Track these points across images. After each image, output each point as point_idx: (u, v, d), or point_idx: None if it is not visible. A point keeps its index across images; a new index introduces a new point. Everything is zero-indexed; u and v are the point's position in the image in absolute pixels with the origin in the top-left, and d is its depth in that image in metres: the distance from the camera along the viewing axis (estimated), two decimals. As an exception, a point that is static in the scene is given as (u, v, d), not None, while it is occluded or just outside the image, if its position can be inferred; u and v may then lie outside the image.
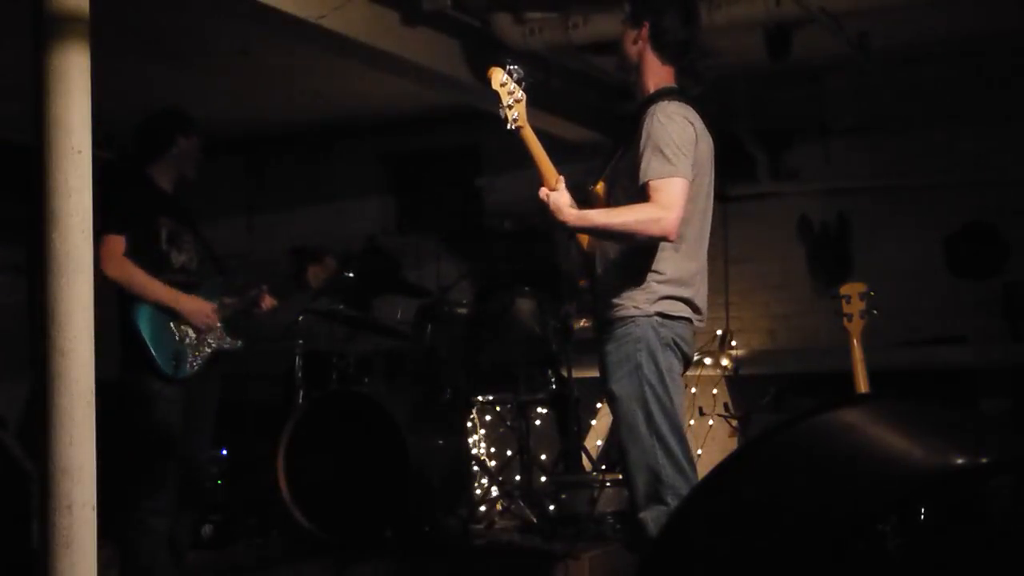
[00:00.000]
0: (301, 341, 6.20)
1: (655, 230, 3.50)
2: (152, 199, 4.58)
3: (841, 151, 7.07)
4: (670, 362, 3.59)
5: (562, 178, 3.62)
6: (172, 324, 4.48)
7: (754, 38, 5.68)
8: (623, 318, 3.61)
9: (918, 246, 6.84)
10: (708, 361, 6.93)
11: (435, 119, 7.59)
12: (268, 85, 6.96)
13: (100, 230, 4.26)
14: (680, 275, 3.62)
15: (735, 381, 6.95)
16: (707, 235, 3.78)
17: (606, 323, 3.67)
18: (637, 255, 3.61)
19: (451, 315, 6.01)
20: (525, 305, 5.77)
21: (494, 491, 6.01)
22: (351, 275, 5.65)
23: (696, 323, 3.70)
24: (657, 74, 3.77)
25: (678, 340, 3.61)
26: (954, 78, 6.75)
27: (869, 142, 6.99)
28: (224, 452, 6.24)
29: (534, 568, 5.10)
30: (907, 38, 6.22)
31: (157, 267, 4.50)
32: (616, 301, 3.62)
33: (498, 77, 3.60)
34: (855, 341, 4.51)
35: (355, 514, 5.46)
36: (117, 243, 4.37)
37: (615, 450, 6.35)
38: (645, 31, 3.74)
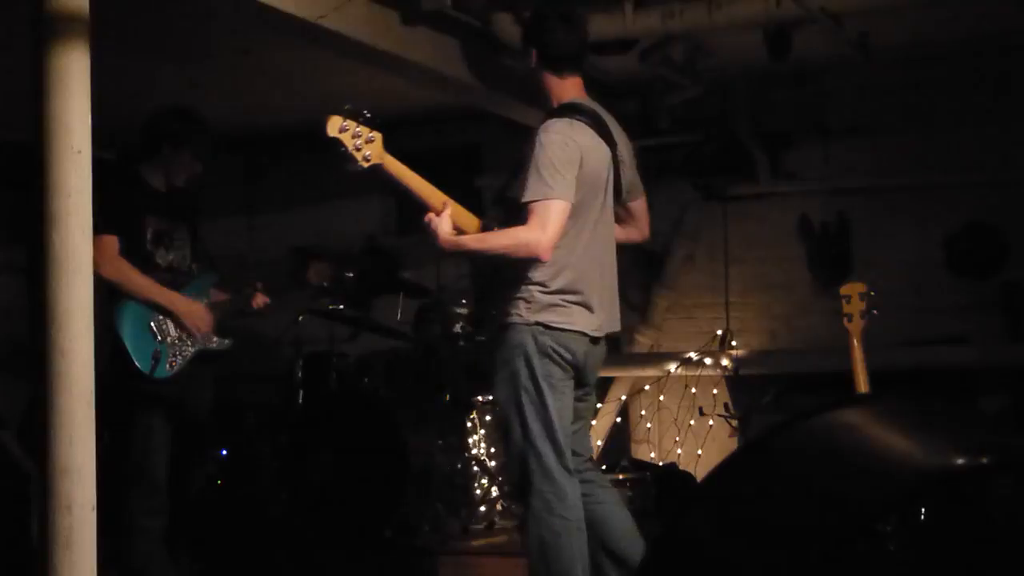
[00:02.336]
0: (301, 341, 6.19)
1: (524, 253, 3.64)
2: (138, 198, 4.56)
3: (841, 151, 7.06)
4: (548, 370, 3.71)
5: (449, 201, 3.78)
6: (153, 324, 4.46)
7: (754, 38, 5.68)
8: (505, 325, 3.75)
9: (918, 246, 6.83)
10: (708, 361, 6.93)
11: (435, 119, 7.59)
12: (268, 85, 6.95)
13: (93, 231, 4.25)
14: (566, 287, 3.73)
15: (735, 381, 6.95)
16: (607, 245, 3.89)
17: (493, 330, 3.83)
18: (521, 267, 3.73)
19: (451, 315, 6.01)
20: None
21: (494, 491, 6.00)
22: (351, 275, 5.65)
23: (591, 333, 3.79)
24: (561, 90, 3.93)
25: (558, 349, 3.71)
26: (954, 78, 6.74)
27: (869, 142, 6.99)
28: (224, 452, 6.24)
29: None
30: (907, 38, 6.21)
31: (141, 267, 4.50)
32: (502, 308, 3.76)
33: (334, 124, 3.68)
34: (855, 341, 4.51)
35: (355, 514, 5.46)
36: (111, 243, 4.36)
37: (614, 451, 6.39)
38: (534, 57, 3.91)
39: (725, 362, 6.96)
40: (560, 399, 3.73)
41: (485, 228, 3.81)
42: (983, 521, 1.67)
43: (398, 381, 6.34)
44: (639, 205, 4.10)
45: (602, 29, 5.53)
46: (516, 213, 3.73)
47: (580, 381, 3.84)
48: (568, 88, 3.92)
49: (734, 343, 7.07)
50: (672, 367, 7.04)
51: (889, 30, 5.79)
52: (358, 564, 5.28)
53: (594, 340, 3.83)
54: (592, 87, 4.20)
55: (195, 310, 4.53)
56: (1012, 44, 6.41)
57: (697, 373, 6.99)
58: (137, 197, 4.56)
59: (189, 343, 4.54)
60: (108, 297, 4.38)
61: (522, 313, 3.72)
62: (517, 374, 3.70)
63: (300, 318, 6.18)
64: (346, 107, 3.68)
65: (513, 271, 3.75)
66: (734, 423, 6.57)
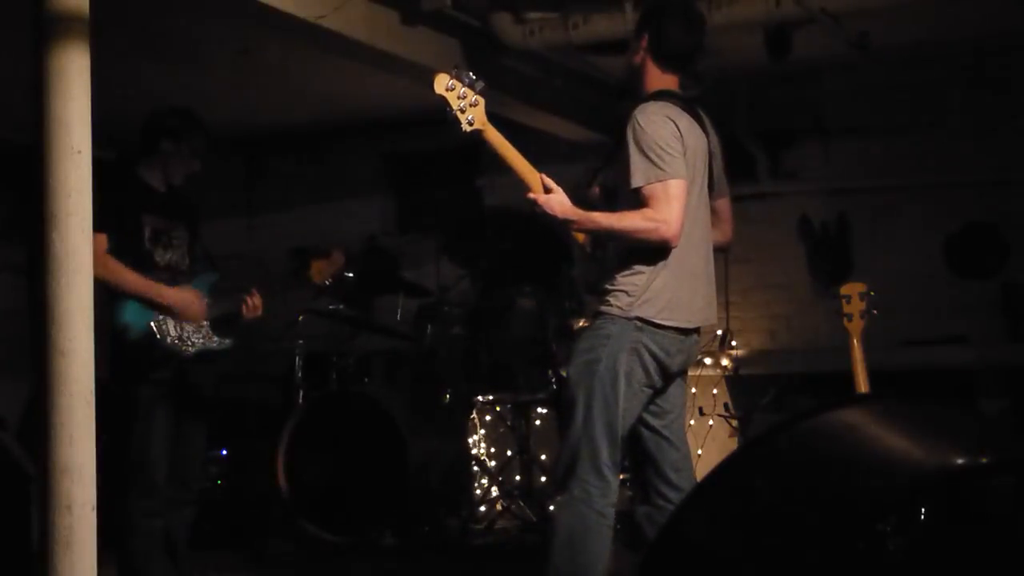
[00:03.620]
0: (301, 341, 6.20)
1: (655, 237, 3.52)
2: (136, 198, 4.56)
3: (841, 151, 7.06)
4: (631, 367, 3.59)
5: (547, 179, 3.60)
6: (153, 324, 4.46)
7: (754, 38, 5.68)
8: (603, 314, 3.63)
9: (918, 246, 6.83)
10: (708, 361, 6.93)
11: (435, 119, 7.55)
12: (268, 85, 6.96)
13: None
14: (669, 279, 3.61)
15: (735, 381, 6.95)
16: (705, 233, 3.77)
17: (593, 316, 3.71)
18: (630, 258, 3.62)
19: (451, 315, 6.02)
20: (525, 305, 5.78)
21: (494, 491, 6.01)
22: (351, 275, 5.65)
23: (688, 326, 3.68)
24: (657, 82, 3.78)
25: (651, 348, 3.60)
26: (953, 78, 6.74)
27: (869, 142, 6.99)
28: (224, 452, 6.24)
29: (534, 568, 5.09)
30: (907, 38, 6.22)
31: (139, 266, 4.49)
32: (606, 298, 3.64)
33: (442, 82, 3.59)
34: (855, 341, 4.50)
35: (355, 514, 5.47)
36: (100, 241, 4.34)
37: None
38: (644, 42, 3.76)
39: (725, 362, 6.96)
40: (631, 400, 3.61)
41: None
42: (983, 521, 1.67)
43: (398, 381, 6.35)
44: (725, 204, 3.96)
45: (602, 29, 5.53)
46: (615, 201, 3.64)
47: (667, 378, 3.72)
48: (667, 83, 3.79)
49: (734, 343, 7.07)
50: (672, 367, 7.04)
51: (889, 30, 5.79)
52: (358, 564, 5.28)
53: (688, 332, 3.71)
54: (592, 87, 4.20)
55: (185, 298, 4.50)
56: (1012, 44, 6.42)
57: (697, 373, 6.99)
58: (134, 196, 4.56)
59: (189, 343, 4.54)
60: (108, 299, 4.38)
61: (623, 305, 3.59)
62: (598, 362, 3.56)
63: (300, 318, 6.18)
64: (455, 66, 3.60)
65: (617, 260, 3.63)
66: (734, 423, 6.57)
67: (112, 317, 4.39)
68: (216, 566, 5.44)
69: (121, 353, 4.41)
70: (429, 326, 6.10)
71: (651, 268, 3.60)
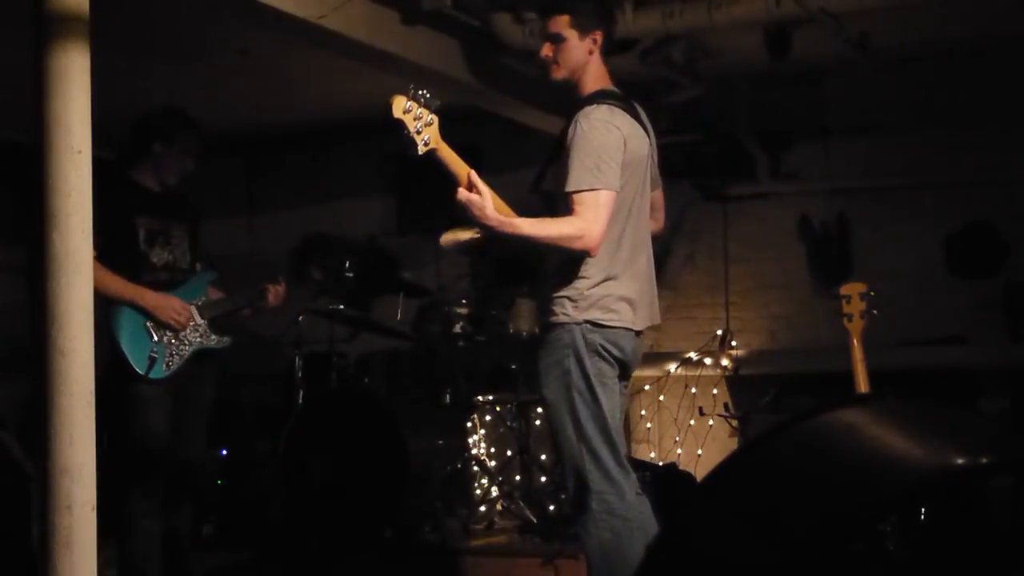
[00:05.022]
0: (301, 341, 6.19)
1: (577, 246, 3.54)
2: (128, 199, 4.55)
3: (841, 151, 7.06)
4: (599, 367, 3.62)
5: (475, 178, 3.64)
6: (149, 324, 4.46)
7: (754, 38, 5.68)
8: (553, 324, 3.66)
9: (918, 246, 6.83)
10: (708, 361, 6.93)
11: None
12: (268, 85, 6.95)
13: None
14: (612, 282, 3.63)
15: (735, 381, 6.95)
16: (645, 235, 3.79)
17: (541, 329, 3.75)
18: (569, 263, 3.63)
19: (451, 315, 6.01)
20: (525, 305, 5.77)
21: (494, 491, 6.00)
22: (351, 275, 5.65)
23: (635, 328, 3.71)
24: (598, 76, 3.79)
25: (608, 346, 3.63)
26: (954, 78, 6.74)
27: (869, 142, 6.99)
28: (224, 452, 6.24)
29: (534, 568, 5.10)
30: (907, 38, 6.21)
31: (135, 267, 4.49)
32: (550, 307, 3.67)
33: (400, 105, 3.56)
34: (855, 341, 4.51)
35: (355, 514, 5.46)
36: None
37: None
38: (599, 38, 3.76)
39: (725, 362, 6.96)
40: (611, 397, 3.64)
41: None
42: (983, 521, 1.67)
43: (398, 381, 6.35)
44: (658, 195, 3.96)
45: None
46: (554, 205, 3.64)
47: (623, 376, 3.76)
48: (603, 76, 3.79)
49: (734, 343, 7.07)
50: (672, 367, 7.04)
51: (889, 30, 5.79)
52: (358, 564, 5.28)
53: (637, 333, 3.74)
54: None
55: (166, 303, 4.49)
56: (1012, 44, 6.41)
57: (697, 373, 6.99)
58: (126, 197, 4.55)
59: (186, 342, 4.54)
60: (106, 301, 4.38)
61: (569, 312, 3.61)
62: (568, 374, 3.59)
63: (300, 318, 6.18)
64: (411, 87, 3.56)
65: (556, 267, 3.65)
66: (734, 423, 6.56)
67: (108, 317, 4.39)
68: (216, 566, 5.44)
69: (117, 353, 4.41)
70: (429, 326, 6.09)
71: (594, 272, 3.62)
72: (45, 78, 2.81)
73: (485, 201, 3.58)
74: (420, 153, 3.60)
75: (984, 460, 1.65)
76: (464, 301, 6.07)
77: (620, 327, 3.65)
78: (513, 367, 6.11)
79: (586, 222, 3.50)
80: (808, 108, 7.08)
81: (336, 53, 5.65)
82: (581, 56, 3.75)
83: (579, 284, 3.62)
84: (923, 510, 1.60)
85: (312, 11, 4.94)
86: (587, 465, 3.59)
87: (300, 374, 6.16)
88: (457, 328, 5.99)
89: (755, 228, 7.25)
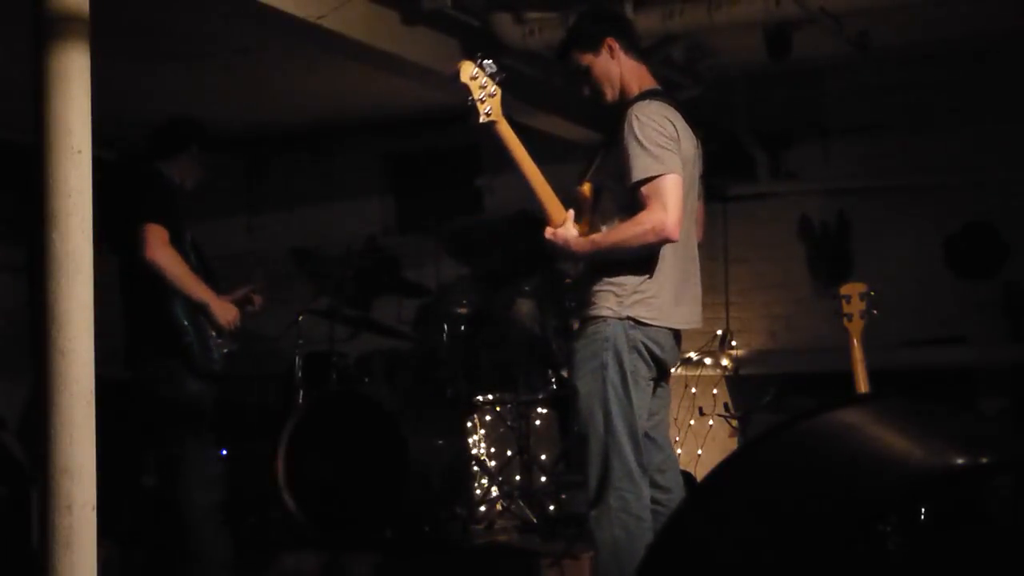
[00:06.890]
0: (301, 341, 6.19)
1: (654, 238, 3.53)
2: (175, 197, 4.61)
3: (841, 151, 7.06)
4: (636, 365, 3.61)
5: (569, 213, 3.64)
6: (202, 319, 4.50)
7: (754, 38, 5.68)
8: (595, 317, 3.64)
9: (918, 246, 6.84)
10: (708, 361, 6.93)
11: (435, 119, 7.59)
12: (268, 85, 6.96)
13: (142, 218, 4.28)
14: (657, 279, 3.63)
15: (735, 381, 6.95)
16: (691, 235, 3.79)
17: (580, 321, 3.71)
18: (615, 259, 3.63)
19: (451, 315, 6.01)
20: (525, 305, 5.78)
21: (494, 491, 6.00)
22: (351, 275, 5.65)
23: (676, 327, 3.71)
24: (638, 76, 3.79)
25: (649, 344, 3.63)
26: (954, 78, 6.74)
27: (869, 142, 6.99)
28: (224, 452, 6.24)
29: (534, 568, 5.10)
30: (907, 38, 6.22)
31: None
32: (592, 300, 3.66)
33: (468, 70, 3.55)
34: (855, 341, 4.51)
35: (355, 514, 5.46)
36: (162, 231, 4.35)
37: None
38: (614, 44, 3.77)
39: (725, 362, 6.96)
40: (642, 397, 3.63)
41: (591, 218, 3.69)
42: (983, 521, 1.67)
43: (398, 381, 6.34)
44: (700, 207, 3.96)
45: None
46: (599, 198, 3.66)
47: (661, 374, 3.75)
48: (644, 75, 3.80)
49: (734, 343, 7.07)
50: (672, 367, 7.04)
51: (889, 30, 5.80)
52: (358, 564, 5.28)
53: (677, 332, 3.74)
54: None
55: (231, 311, 4.57)
56: (1012, 44, 6.42)
57: (697, 373, 6.99)
58: (174, 196, 4.60)
59: (224, 345, 4.59)
60: (156, 287, 4.36)
61: (612, 306, 3.60)
62: (605, 368, 3.58)
63: (300, 318, 6.17)
64: (478, 54, 3.56)
65: (606, 261, 3.64)
66: (734, 423, 6.57)
67: (164, 314, 4.39)
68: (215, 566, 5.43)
69: (171, 340, 4.42)
70: (429, 326, 6.09)
71: (640, 268, 3.61)
72: (45, 78, 2.81)
73: (569, 233, 3.60)
74: (480, 122, 3.57)
75: (984, 460, 1.65)
76: (464, 301, 6.07)
77: (661, 326, 3.64)
78: (513, 367, 6.10)
79: (656, 212, 3.49)
80: (808, 108, 7.08)
81: (336, 53, 5.65)
82: (610, 69, 3.77)
83: (623, 279, 3.61)
84: (923, 510, 1.60)
85: (312, 11, 4.94)
86: (613, 461, 3.58)
87: (300, 374, 6.16)
88: (457, 328, 5.98)
89: (755, 228, 7.25)
